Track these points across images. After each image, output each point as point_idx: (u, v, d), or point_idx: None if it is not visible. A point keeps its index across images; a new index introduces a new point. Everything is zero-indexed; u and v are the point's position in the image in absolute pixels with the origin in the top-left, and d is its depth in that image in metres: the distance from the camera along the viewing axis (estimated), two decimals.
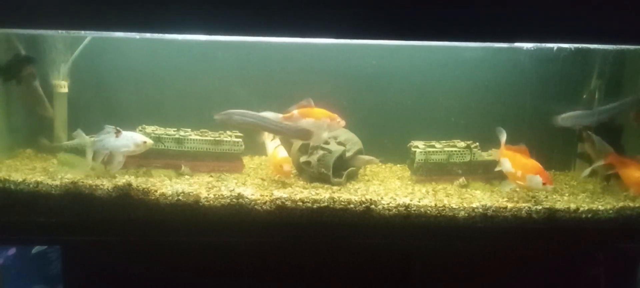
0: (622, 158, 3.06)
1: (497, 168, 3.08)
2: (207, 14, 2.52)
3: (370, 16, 2.55)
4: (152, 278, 2.88)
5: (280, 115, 3.06)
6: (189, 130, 3.34)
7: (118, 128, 2.88)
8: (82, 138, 3.00)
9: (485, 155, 3.37)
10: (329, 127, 3.10)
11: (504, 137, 3.07)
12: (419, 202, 2.83)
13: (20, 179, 2.81)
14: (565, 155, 3.59)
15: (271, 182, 3.14)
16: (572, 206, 2.84)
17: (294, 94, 3.55)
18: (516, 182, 2.93)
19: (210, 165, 3.32)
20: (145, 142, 2.94)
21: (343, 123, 3.11)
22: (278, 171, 3.11)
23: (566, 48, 2.82)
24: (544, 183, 2.81)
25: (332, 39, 2.74)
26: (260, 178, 3.22)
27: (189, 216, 2.77)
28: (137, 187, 2.78)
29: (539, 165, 2.86)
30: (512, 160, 2.96)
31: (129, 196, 2.76)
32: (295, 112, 3.08)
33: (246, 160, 3.53)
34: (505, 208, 2.82)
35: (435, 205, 2.81)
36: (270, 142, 3.26)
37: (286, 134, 3.11)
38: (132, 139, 2.94)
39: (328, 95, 3.54)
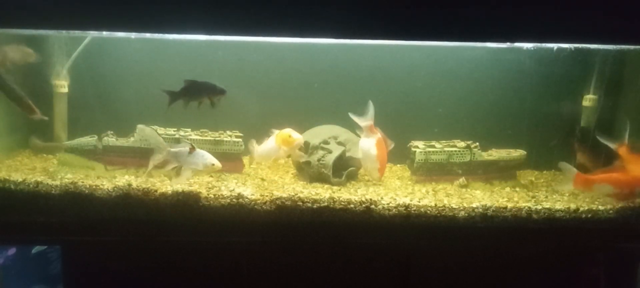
0: (632, 155, 2.97)
1: (601, 192, 2.99)
2: (207, 13, 2.52)
3: (370, 16, 2.55)
4: (152, 278, 2.88)
5: None
6: (189, 130, 3.34)
7: (193, 144, 2.85)
8: (158, 142, 2.89)
9: (485, 155, 3.37)
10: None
11: (573, 171, 2.95)
12: (419, 202, 2.83)
13: (20, 179, 2.81)
14: (565, 155, 3.58)
15: (271, 182, 3.14)
16: (572, 206, 2.84)
17: (293, 93, 3.57)
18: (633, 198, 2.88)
19: None
20: (213, 165, 2.86)
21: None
22: (287, 142, 3.03)
23: (566, 48, 2.83)
24: None
25: (332, 39, 2.74)
26: (260, 178, 3.22)
27: (189, 216, 2.77)
28: (137, 187, 2.78)
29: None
30: (616, 181, 2.89)
31: (129, 196, 2.76)
32: (380, 135, 3.10)
33: (246, 160, 3.53)
34: (505, 208, 2.82)
35: (435, 205, 2.81)
36: (259, 146, 3.19)
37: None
38: (202, 158, 2.86)
39: (328, 94, 3.55)
